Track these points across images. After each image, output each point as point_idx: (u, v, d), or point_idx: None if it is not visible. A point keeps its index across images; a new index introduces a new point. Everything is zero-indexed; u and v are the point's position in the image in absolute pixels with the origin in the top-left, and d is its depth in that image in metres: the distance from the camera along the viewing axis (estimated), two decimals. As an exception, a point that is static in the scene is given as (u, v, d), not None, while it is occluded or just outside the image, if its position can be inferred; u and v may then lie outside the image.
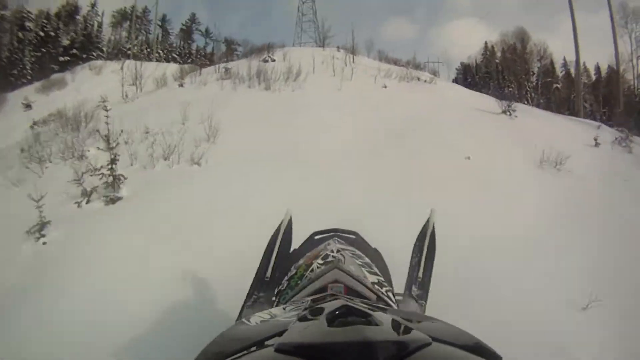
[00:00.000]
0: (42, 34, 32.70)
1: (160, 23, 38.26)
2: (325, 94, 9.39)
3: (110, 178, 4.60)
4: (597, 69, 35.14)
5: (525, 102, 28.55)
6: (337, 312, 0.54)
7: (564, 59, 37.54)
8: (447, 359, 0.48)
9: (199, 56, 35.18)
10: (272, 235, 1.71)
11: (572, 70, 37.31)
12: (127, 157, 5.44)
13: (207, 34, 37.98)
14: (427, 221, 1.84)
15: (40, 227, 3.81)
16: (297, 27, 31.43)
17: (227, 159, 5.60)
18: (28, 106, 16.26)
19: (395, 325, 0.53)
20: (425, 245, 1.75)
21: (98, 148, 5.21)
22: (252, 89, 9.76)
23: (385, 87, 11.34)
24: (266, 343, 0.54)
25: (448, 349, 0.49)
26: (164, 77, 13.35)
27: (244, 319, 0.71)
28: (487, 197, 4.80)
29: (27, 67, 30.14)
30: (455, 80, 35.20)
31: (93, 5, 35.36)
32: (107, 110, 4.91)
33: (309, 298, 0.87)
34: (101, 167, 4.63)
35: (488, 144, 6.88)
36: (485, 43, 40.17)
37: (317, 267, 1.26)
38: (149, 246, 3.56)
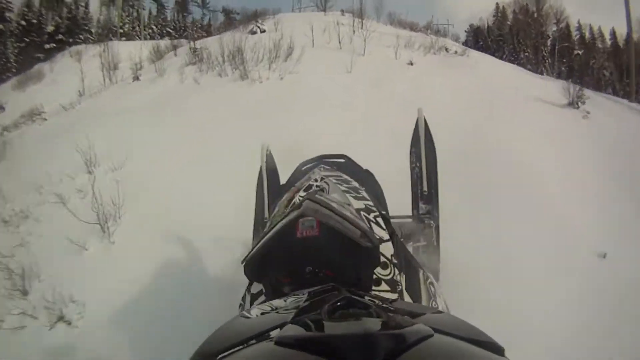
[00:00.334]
0: (23, 23, 29.47)
1: None
2: (329, 80, 6.08)
3: None
4: (613, 33, 31.55)
5: (543, 70, 24.82)
6: (338, 304, 0.53)
7: (579, 22, 33.94)
8: (449, 351, 0.45)
9: (194, 29, 32.04)
10: (258, 177, 1.78)
11: (587, 35, 33.88)
12: None
13: (203, 4, 34.26)
14: (417, 122, 1.77)
15: None
16: None
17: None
18: (1, 107, 13.37)
19: (397, 317, 0.51)
20: (422, 151, 1.68)
21: None
22: (223, 79, 6.50)
23: (411, 63, 7.93)
24: (266, 336, 0.52)
25: (450, 341, 0.47)
26: (140, 63, 10.15)
27: (244, 312, 0.69)
28: None
29: (11, 60, 27.27)
30: (466, 43, 31.67)
31: None
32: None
33: (310, 290, 0.76)
34: None
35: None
36: (497, 4, 36.18)
37: (299, 200, 1.14)
38: None
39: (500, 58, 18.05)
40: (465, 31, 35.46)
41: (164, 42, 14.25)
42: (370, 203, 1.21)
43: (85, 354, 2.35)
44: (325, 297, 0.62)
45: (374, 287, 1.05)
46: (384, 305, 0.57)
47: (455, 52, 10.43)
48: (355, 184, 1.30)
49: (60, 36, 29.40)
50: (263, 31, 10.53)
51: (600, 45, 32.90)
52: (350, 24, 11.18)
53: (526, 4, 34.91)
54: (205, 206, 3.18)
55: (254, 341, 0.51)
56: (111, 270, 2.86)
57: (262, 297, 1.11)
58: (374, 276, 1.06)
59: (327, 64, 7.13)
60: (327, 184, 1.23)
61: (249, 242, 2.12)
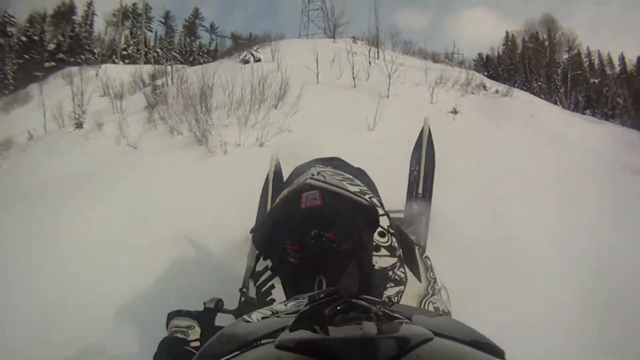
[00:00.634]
0: (24, 38, 27.81)
1: (163, 20, 33.30)
2: (340, 147, 3.44)
3: None
4: (622, 58, 29.88)
5: (557, 100, 22.75)
6: (338, 308, 0.49)
7: (588, 49, 31.02)
8: (449, 354, 0.44)
9: (201, 53, 30.29)
10: (263, 185, 1.79)
11: (597, 61, 31.98)
12: None
13: (212, 29, 32.46)
14: (422, 130, 1.81)
15: None
16: (302, 16, 25.00)
17: None
18: (-24, 132, 10.95)
19: (397, 320, 0.49)
20: (422, 158, 1.72)
21: None
22: (174, 139, 4.11)
23: (454, 112, 5.48)
24: (267, 340, 0.50)
25: (450, 344, 0.47)
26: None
27: (245, 316, 0.66)
28: None
29: (9, 77, 25.33)
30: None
31: (89, 5, 30.34)
32: None
33: (311, 294, 0.67)
34: None
35: None
36: (507, 32, 34.31)
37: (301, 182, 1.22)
38: None
39: (513, 87, 15.81)
40: (474, 60, 33.44)
41: (150, 68, 12.02)
42: (365, 188, 1.24)
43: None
44: (326, 301, 0.54)
45: (374, 253, 1.06)
46: (384, 309, 0.51)
47: (497, 91, 8.02)
48: (349, 175, 1.32)
49: (61, 55, 27.78)
50: (258, 60, 8.18)
51: (609, 72, 31.09)
52: (365, 54, 8.80)
53: (537, 31, 33.06)
54: None
55: (254, 345, 0.49)
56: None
57: (268, 273, 1.09)
58: (373, 243, 1.08)
59: (336, 113, 4.68)
60: (324, 175, 1.23)
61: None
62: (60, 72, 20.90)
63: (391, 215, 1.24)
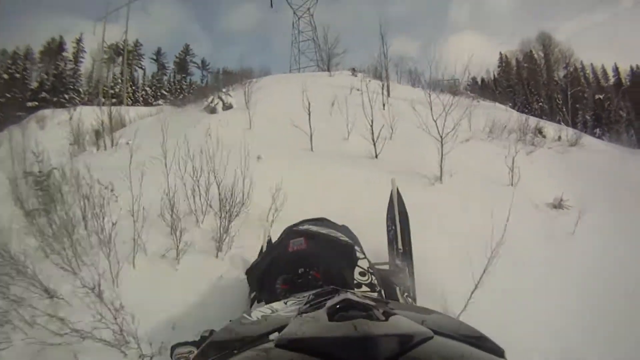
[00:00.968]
0: (6, 76, 25.62)
1: (155, 57, 31.29)
2: None
3: None
4: (615, 69, 27.96)
5: (559, 119, 20.52)
6: (338, 307, 0.49)
7: (582, 63, 28.94)
8: (449, 352, 0.43)
9: (191, 91, 28.10)
10: (259, 253, 1.90)
11: (591, 75, 30.20)
12: None
13: (203, 65, 30.77)
14: (391, 192, 1.92)
15: None
16: (293, 47, 22.45)
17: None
18: None
19: (397, 319, 0.47)
20: (396, 216, 1.80)
21: None
22: None
23: (559, 206, 2.97)
24: (267, 338, 0.49)
25: (450, 343, 0.45)
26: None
27: (245, 314, 0.67)
28: None
29: (-13, 118, 22.76)
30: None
31: (79, 41, 28.34)
32: None
33: (311, 293, 0.76)
34: None
35: None
36: (500, 53, 32.49)
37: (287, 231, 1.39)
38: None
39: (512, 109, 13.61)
40: (468, 84, 31.51)
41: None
42: (345, 238, 1.37)
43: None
44: (325, 299, 0.56)
45: (356, 290, 1.16)
46: (384, 307, 0.51)
47: (559, 138, 5.61)
48: (332, 229, 1.43)
49: (44, 94, 25.60)
50: (228, 107, 5.76)
51: (604, 84, 29.30)
52: (372, 90, 6.38)
53: (530, 50, 31.21)
54: None
55: (255, 343, 0.48)
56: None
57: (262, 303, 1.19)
58: (355, 281, 1.21)
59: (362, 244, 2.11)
60: (309, 227, 1.40)
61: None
62: (34, 115, 18.31)
63: (378, 267, 1.45)
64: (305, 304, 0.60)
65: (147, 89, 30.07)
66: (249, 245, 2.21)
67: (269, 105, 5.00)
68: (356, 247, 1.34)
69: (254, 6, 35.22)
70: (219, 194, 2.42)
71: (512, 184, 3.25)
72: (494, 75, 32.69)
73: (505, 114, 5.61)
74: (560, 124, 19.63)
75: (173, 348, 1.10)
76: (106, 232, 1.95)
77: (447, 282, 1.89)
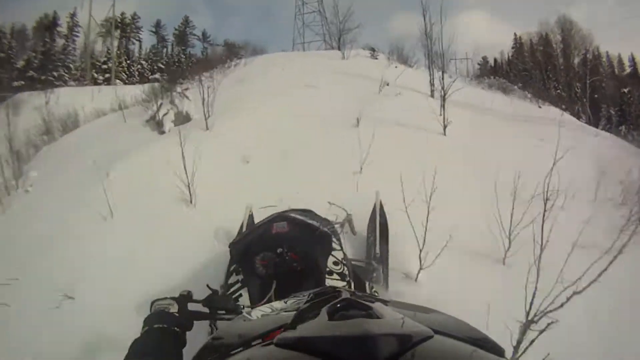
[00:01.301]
0: (-10, 54, 23.58)
1: (154, 30, 28.35)
2: None
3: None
4: (632, 59, 26.34)
5: (579, 113, 18.45)
6: (338, 306, 0.47)
7: (597, 51, 26.23)
8: (449, 352, 0.41)
9: (189, 64, 25.94)
10: (239, 229, 2.00)
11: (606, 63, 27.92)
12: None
13: (204, 38, 28.46)
14: (375, 203, 2.03)
15: None
16: (296, 20, 19.49)
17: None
18: None
19: (397, 318, 0.47)
20: (377, 226, 1.92)
21: None
22: None
23: None
24: (267, 338, 0.48)
25: (450, 342, 0.44)
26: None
27: (245, 313, 0.66)
28: None
29: (-32, 101, 20.83)
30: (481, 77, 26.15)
31: (72, 15, 25.94)
32: None
33: (311, 292, 0.71)
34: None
35: None
36: (515, 35, 30.09)
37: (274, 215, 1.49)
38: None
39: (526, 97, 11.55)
40: (479, 64, 28.97)
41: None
42: (325, 229, 1.47)
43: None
44: (325, 298, 0.55)
45: (327, 276, 1.29)
46: (384, 306, 0.50)
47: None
48: (316, 219, 1.56)
49: (31, 72, 23.47)
50: (185, 120, 3.62)
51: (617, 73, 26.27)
52: (415, 85, 4.19)
53: (545, 33, 28.71)
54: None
55: (254, 343, 0.47)
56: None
57: (238, 285, 1.35)
58: (327, 268, 1.33)
59: None
60: (293, 214, 1.52)
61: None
62: (11, 99, 16.27)
63: (354, 262, 1.61)
64: (305, 303, 0.56)
65: (143, 62, 27.71)
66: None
67: (247, 117, 3.02)
68: (334, 239, 1.49)
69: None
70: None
71: None
72: (508, 57, 30.62)
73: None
74: (580, 116, 17.40)
75: (152, 302, 1.04)
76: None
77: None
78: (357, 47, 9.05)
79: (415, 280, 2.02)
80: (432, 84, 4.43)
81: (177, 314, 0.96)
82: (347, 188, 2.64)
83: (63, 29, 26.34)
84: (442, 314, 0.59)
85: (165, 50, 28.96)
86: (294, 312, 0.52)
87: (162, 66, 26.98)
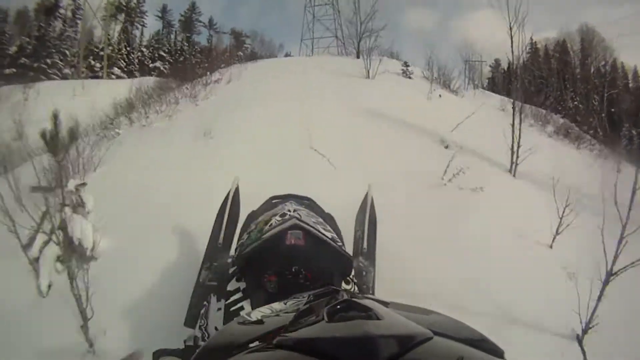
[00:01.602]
0: (-18, 41, 22.16)
1: (160, 15, 26.51)
2: None
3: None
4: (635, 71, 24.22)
5: (594, 125, 16.75)
6: (337, 307, 0.47)
7: (614, 61, 24.27)
8: (449, 353, 0.41)
9: (194, 52, 24.22)
10: (222, 204, 1.66)
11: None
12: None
13: (210, 25, 26.89)
14: (366, 195, 1.82)
15: None
16: (306, 12, 17.47)
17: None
18: None
19: (397, 319, 0.46)
20: (366, 220, 1.74)
21: None
22: None
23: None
24: (267, 339, 0.47)
25: (449, 343, 0.43)
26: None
27: (244, 314, 0.63)
28: None
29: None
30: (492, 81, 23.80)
31: None
32: None
33: (310, 293, 0.72)
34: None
35: None
36: (531, 39, 28.04)
37: (276, 222, 1.24)
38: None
39: (541, 105, 10.44)
40: (490, 66, 27.11)
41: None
42: (335, 236, 1.31)
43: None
44: (325, 299, 0.54)
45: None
46: (384, 308, 0.49)
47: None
48: (321, 220, 1.35)
49: (24, 59, 21.88)
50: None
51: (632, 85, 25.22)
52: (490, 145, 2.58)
53: (563, 39, 26.83)
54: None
55: (254, 345, 0.46)
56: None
57: (239, 294, 1.17)
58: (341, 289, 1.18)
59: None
60: (300, 214, 1.26)
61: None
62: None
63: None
64: (305, 304, 0.56)
65: (144, 49, 25.89)
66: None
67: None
68: (350, 255, 1.34)
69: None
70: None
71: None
72: (524, 62, 28.38)
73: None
74: (598, 130, 15.53)
75: (155, 355, 0.99)
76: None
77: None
78: (379, 52, 7.13)
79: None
80: (513, 151, 2.81)
81: None
82: None
83: (67, 11, 24.54)
84: (441, 315, 0.57)
85: (169, 37, 27.19)
86: (294, 313, 0.51)
87: (164, 54, 25.28)
